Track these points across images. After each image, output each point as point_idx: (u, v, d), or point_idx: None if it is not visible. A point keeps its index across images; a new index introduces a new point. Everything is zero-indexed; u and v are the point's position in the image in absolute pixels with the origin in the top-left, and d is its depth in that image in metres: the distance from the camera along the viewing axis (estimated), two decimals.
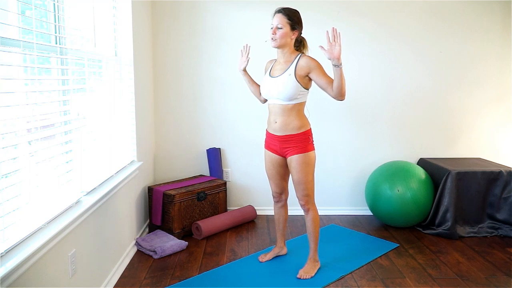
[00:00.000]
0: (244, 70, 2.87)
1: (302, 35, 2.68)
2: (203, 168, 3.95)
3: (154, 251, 3.02)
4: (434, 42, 3.87)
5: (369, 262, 2.96)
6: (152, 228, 3.49)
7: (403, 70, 3.90)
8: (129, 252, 3.00)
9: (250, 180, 3.97)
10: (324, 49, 2.41)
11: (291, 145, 2.63)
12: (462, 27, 3.86)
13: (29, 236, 1.75)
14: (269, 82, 2.64)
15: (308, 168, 2.64)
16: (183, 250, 3.14)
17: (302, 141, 2.61)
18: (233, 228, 3.61)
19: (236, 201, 4.00)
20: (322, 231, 3.39)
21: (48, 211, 1.93)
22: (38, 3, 2.00)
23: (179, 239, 3.28)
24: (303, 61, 2.55)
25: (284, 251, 3.04)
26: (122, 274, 2.76)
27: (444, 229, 3.42)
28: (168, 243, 3.10)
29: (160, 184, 3.61)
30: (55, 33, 2.12)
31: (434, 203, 3.50)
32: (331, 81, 2.49)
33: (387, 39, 3.85)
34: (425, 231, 3.52)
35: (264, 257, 2.97)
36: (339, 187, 4.01)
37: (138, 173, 3.21)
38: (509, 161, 3.97)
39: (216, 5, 3.77)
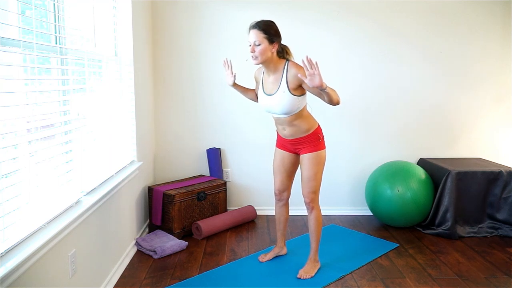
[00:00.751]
0: (234, 83, 2.79)
1: (283, 43, 2.60)
2: (203, 168, 3.95)
3: (154, 251, 3.02)
4: (434, 42, 3.87)
5: (369, 262, 2.96)
6: (152, 228, 3.49)
7: (403, 70, 3.90)
8: (129, 252, 3.00)
9: (250, 180, 3.97)
10: (305, 78, 2.33)
11: (304, 146, 2.68)
12: (462, 27, 3.86)
13: (29, 236, 1.74)
14: (266, 101, 2.63)
15: (319, 167, 2.67)
16: (183, 250, 3.14)
17: (314, 141, 2.66)
18: (233, 228, 3.61)
19: (236, 201, 4.00)
20: (322, 231, 3.37)
21: (48, 211, 1.93)
22: (38, 3, 2.00)
23: (179, 239, 3.28)
24: (292, 73, 2.50)
25: (284, 251, 3.04)
26: (122, 274, 2.76)
27: (444, 229, 3.42)
28: (168, 243, 3.10)
29: (160, 184, 3.61)
30: (55, 33, 2.12)
31: (434, 203, 3.50)
32: None
33: (387, 39, 3.85)
34: (425, 231, 3.52)
35: (264, 257, 2.97)
36: (339, 187, 4.01)
37: (138, 173, 3.21)
38: (509, 161, 3.97)
39: (216, 5, 3.77)
